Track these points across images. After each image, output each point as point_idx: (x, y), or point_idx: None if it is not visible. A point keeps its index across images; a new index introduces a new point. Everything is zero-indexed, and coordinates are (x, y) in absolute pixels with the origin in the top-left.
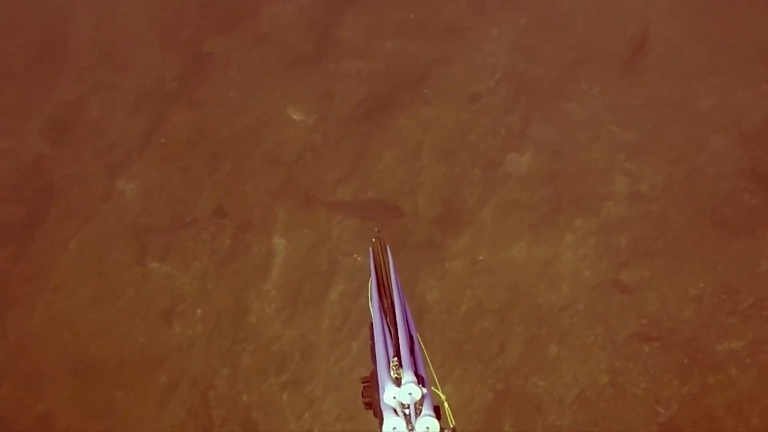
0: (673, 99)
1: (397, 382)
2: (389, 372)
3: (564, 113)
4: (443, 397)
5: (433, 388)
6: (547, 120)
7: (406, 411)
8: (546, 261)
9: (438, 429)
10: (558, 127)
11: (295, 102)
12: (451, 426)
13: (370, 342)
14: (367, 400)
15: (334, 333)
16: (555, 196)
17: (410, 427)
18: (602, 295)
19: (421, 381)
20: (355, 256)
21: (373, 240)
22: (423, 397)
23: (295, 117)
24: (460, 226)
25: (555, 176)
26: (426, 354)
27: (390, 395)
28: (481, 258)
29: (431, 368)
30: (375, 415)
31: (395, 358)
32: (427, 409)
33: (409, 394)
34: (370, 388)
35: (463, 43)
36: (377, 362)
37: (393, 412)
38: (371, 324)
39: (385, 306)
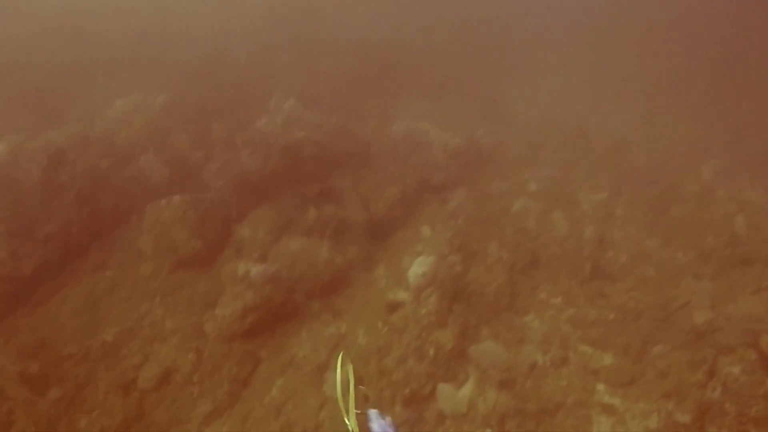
0: (655, 311)
1: None
2: None
3: (517, 328)
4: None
5: None
6: (494, 337)
7: None
8: None
9: None
10: (510, 346)
11: (173, 311)
12: None
13: None
14: None
15: None
16: None
17: None
18: None
19: None
20: None
21: None
22: None
23: (169, 330)
24: None
25: (506, 416)
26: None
27: None
28: None
29: None
30: None
31: None
32: None
33: None
34: None
35: (389, 243)
36: None
37: None
38: None
39: None
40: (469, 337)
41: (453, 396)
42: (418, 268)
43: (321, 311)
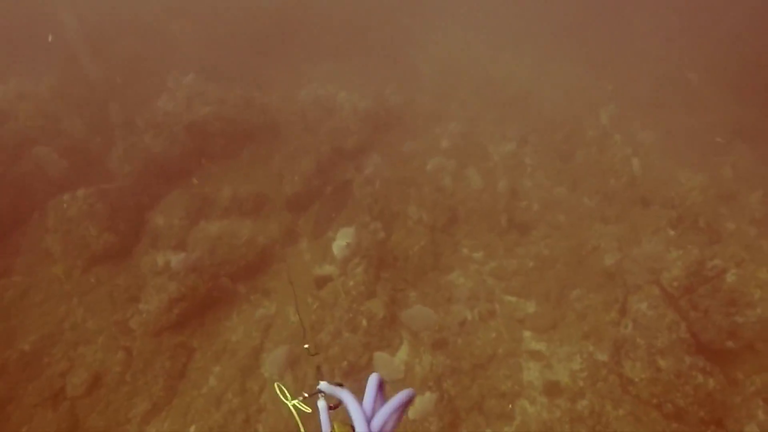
0: (569, 256)
1: None
2: None
3: (444, 288)
4: None
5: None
6: (422, 299)
7: None
8: None
9: None
10: (439, 306)
11: (93, 311)
12: None
13: None
14: None
15: None
16: (448, 406)
17: None
18: None
19: None
20: None
21: None
22: None
23: (92, 331)
24: None
25: (443, 376)
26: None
27: None
28: None
29: None
30: None
31: None
32: None
33: None
34: None
35: (309, 215)
36: None
37: None
38: None
39: None
40: (398, 303)
41: (390, 363)
42: (341, 239)
43: (249, 293)
